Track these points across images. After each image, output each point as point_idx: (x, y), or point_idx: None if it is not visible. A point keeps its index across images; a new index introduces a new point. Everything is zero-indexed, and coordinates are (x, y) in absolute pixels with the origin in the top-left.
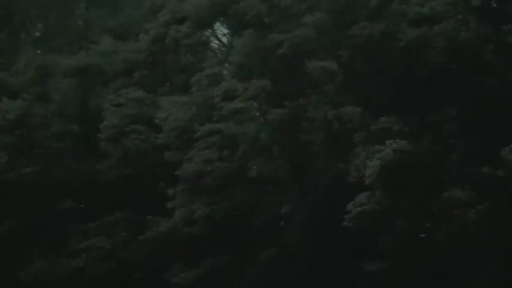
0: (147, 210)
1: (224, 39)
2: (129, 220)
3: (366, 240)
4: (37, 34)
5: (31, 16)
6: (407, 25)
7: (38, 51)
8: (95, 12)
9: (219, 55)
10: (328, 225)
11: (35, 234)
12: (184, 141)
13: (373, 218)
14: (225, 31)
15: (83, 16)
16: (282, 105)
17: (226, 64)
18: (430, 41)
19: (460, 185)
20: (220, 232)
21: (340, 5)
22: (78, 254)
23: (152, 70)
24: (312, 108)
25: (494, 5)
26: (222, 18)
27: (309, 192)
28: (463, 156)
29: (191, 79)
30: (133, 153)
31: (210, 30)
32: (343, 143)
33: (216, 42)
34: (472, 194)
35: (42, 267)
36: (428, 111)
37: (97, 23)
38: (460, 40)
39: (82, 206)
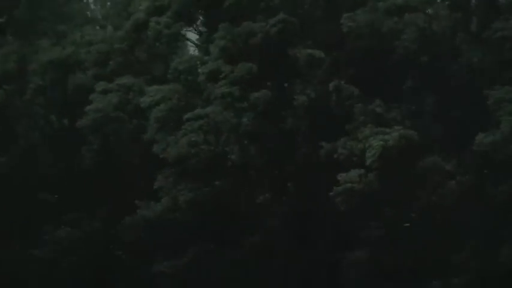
0: (133, 197)
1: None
2: (113, 205)
3: (348, 227)
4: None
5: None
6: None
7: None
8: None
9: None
10: (310, 213)
11: (12, 225)
12: (169, 128)
13: (360, 200)
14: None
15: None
16: (267, 88)
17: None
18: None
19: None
20: (204, 219)
21: None
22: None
23: (130, 59)
24: (297, 93)
25: None
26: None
27: (291, 179)
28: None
29: (170, 67)
30: (117, 139)
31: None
32: (332, 124)
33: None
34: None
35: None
36: (410, 98)
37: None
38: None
39: (58, 197)
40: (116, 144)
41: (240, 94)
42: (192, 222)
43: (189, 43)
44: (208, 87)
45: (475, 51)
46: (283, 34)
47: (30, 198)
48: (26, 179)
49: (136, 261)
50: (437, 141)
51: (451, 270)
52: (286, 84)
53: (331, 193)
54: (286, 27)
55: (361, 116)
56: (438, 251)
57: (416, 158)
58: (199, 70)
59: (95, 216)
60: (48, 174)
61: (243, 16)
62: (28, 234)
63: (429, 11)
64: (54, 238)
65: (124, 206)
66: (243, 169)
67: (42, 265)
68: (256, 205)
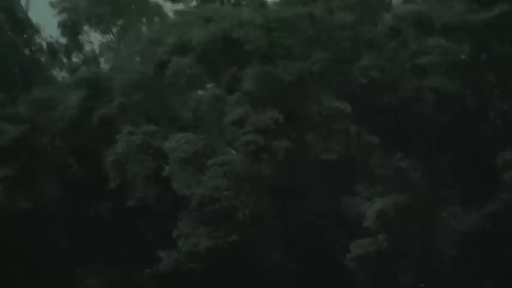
0: (151, 241)
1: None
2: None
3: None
4: None
5: None
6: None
7: None
8: None
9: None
10: (323, 267)
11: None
12: (191, 171)
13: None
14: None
15: None
16: (290, 139)
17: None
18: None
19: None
20: (222, 268)
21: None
22: None
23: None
24: (317, 144)
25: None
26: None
27: (304, 234)
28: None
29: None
30: (137, 181)
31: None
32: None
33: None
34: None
35: None
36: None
37: None
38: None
39: (79, 243)
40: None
41: (264, 143)
42: (211, 271)
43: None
44: (231, 133)
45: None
46: (305, 83)
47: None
48: (44, 224)
49: None
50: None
51: None
52: (308, 137)
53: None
54: (306, 76)
55: (379, 168)
56: None
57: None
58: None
59: (113, 266)
60: (64, 219)
61: (266, 61)
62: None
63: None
64: None
65: (142, 252)
66: (257, 220)
67: None
68: (269, 258)
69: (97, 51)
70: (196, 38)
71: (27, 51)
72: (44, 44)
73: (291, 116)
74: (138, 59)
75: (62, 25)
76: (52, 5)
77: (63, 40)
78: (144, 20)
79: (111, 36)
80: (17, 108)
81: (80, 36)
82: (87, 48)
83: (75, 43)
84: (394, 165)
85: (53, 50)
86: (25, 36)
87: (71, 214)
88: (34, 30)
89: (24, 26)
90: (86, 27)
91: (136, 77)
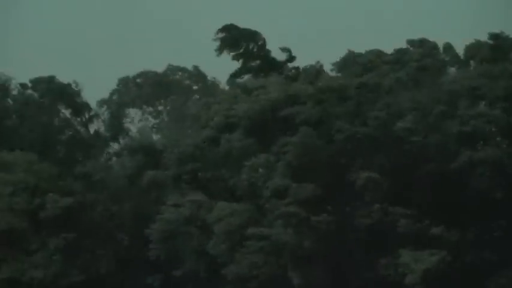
0: None
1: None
2: None
3: None
4: None
5: None
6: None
7: None
8: None
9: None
10: None
11: None
12: (233, 243)
13: None
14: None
15: None
16: (328, 211)
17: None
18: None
19: None
20: None
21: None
22: None
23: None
24: (356, 216)
25: None
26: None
27: None
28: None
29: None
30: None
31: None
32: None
33: None
34: None
35: None
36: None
37: None
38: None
39: None
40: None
41: (305, 215)
42: None
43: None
44: (273, 204)
45: None
46: (344, 155)
47: None
48: None
49: None
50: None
51: None
52: (347, 208)
53: None
54: (347, 149)
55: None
56: None
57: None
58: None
59: None
60: None
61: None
62: None
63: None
64: None
65: None
66: None
67: None
68: None
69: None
70: (245, 111)
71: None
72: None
73: (330, 187)
74: (189, 133)
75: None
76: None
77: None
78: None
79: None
80: (70, 181)
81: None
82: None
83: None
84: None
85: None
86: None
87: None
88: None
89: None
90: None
91: (190, 149)
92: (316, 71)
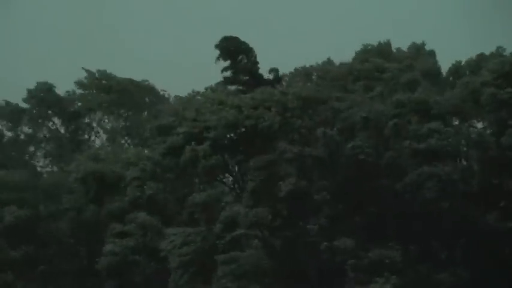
0: None
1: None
2: None
3: None
4: None
5: None
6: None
7: None
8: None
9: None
10: None
11: None
12: (194, 272)
13: None
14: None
15: None
16: (281, 232)
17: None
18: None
19: None
20: None
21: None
22: None
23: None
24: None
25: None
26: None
27: None
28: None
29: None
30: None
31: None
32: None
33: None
34: None
35: None
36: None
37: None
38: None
39: None
40: None
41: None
42: None
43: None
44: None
45: None
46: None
47: None
48: None
49: None
50: None
51: None
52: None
53: None
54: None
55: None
56: None
57: None
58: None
59: None
60: None
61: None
62: None
63: None
64: None
65: None
66: None
67: None
68: None
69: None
70: (211, 123)
71: None
72: None
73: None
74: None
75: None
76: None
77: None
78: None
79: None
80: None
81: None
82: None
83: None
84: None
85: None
86: None
87: None
88: None
89: None
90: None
91: (149, 166)
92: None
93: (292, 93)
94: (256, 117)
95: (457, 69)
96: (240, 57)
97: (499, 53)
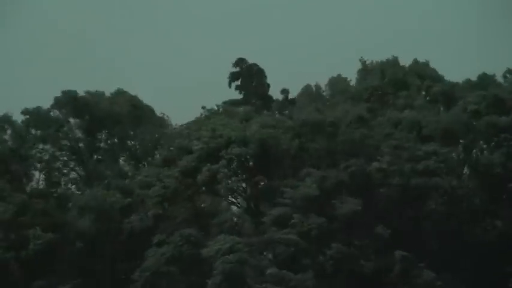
0: None
1: None
2: None
3: None
4: None
5: None
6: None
7: None
8: None
9: None
10: None
11: None
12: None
13: None
14: None
15: None
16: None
17: None
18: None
19: None
20: None
21: None
22: None
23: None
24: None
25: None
26: None
27: None
28: None
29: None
30: None
31: None
32: None
33: None
34: None
35: None
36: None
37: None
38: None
39: None
40: None
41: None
42: None
43: None
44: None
45: None
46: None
47: None
48: None
49: None
50: None
51: None
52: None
53: None
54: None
55: None
56: None
57: None
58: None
59: None
60: None
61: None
62: None
63: None
64: None
65: None
66: None
67: None
68: None
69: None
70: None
71: None
72: None
73: None
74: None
75: None
76: None
77: None
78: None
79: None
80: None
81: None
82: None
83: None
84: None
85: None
86: None
87: None
88: None
89: None
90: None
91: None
92: None
93: (302, 120)
94: (275, 138)
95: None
96: (252, 80)
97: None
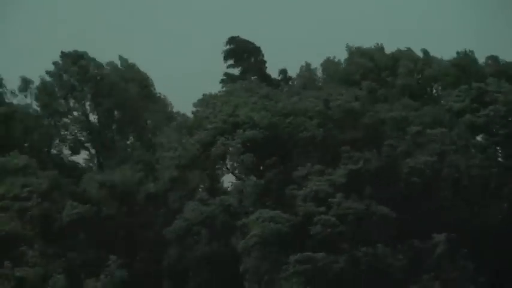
0: None
1: None
2: None
3: None
4: None
5: None
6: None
7: None
8: None
9: None
10: None
11: None
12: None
13: None
14: None
15: None
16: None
17: None
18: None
19: None
20: None
21: None
22: None
23: None
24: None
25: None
26: None
27: None
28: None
29: None
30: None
31: None
32: None
33: None
34: None
35: None
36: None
37: None
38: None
39: None
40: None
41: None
42: None
43: None
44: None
45: None
46: None
47: None
48: None
49: None
50: None
51: None
52: None
53: None
54: None
55: None
56: None
57: None
58: None
59: None
60: None
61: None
62: None
63: None
64: None
65: None
66: None
67: None
68: None
69: None
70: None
71: None
72: None
73: None
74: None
75: None
76: None
77: None
78: None
79: None
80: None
81: None
82: None
83: None
84: None
85: None
86: None
87: None
88: None
89: None
90: None
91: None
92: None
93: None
94: (297, 125)
95: None
96: (250, 58)
97: None
